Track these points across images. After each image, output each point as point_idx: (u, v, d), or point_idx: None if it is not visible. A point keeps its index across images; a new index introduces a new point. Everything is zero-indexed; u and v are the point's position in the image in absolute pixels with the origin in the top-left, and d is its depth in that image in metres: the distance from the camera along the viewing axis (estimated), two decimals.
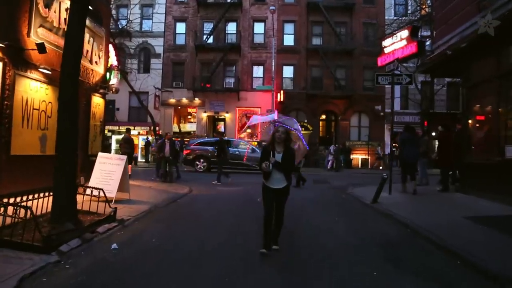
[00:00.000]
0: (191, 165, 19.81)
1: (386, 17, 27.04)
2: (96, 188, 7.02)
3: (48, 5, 8.52)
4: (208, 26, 28.65)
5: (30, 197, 5.73)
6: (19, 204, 5.15)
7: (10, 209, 5.10)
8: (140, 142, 28.69)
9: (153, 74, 28.40)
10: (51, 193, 5.97)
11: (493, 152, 8.79)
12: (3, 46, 7.13)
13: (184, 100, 28.55)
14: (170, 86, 28.61)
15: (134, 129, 28.13)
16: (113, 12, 26.51)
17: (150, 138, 27.76)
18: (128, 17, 27.33)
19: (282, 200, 5.13)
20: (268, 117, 6.88)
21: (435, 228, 6.31)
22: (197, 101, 28.42)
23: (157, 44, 28.86)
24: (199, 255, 5.13)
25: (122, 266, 4.64)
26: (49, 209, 5.96)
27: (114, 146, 26.75)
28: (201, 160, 19.36)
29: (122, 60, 27.32)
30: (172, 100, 28.55)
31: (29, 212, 4.93)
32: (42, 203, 5.97)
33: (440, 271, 4.61)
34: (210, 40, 28.42)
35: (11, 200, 5.26)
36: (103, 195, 7.08)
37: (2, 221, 4.99)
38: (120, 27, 27.46)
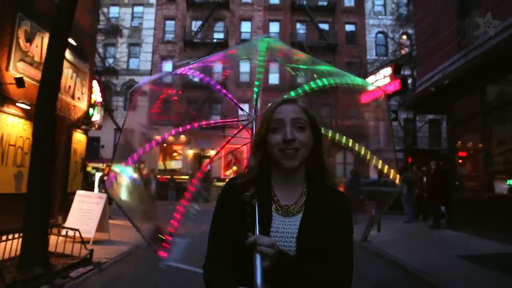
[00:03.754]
0: None
1: (368, 57, 27.83)
2: (71, 229, 6.60)
3: (29, 39, 8.40)
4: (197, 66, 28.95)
5: None
6: None
7: None
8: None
9: (139, 111, 28.18)
10: (21, 235, 5.55)
11: (482, 188, 8.70)
12: None
13: (170, 138, 28.19)
14: (156, 124, 28.40)
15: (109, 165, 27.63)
16: (101, 50, 26.72)
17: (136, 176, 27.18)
18: (115, 55, 27.52)
19: None
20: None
21: (429, 268, 6.06)
22: (183, 138, 28.22)
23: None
24: None
25: None
26: (19, 252, 5.52)
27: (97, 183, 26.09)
28: None
29: (108, 97, 27.23)
30: (157, 137, 28.21)
31: None
32: (11, 246, 5.53)
33: None
34: (197, 79, 28.63)
35: None
36: (79, 235, 6.65)
37: None
38: (107, 65, 27.56)
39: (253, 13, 29.51)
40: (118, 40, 28.58)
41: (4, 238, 5.38)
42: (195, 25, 29.27)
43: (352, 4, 29.57)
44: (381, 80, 12.19)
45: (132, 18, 29.57)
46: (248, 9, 29.58)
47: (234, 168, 27.63)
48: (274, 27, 29.56)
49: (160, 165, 28.84)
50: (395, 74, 11.76)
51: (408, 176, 11.90)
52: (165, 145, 28.95)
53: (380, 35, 29.32)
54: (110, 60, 28.32)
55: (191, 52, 29.04)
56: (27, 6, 8.27)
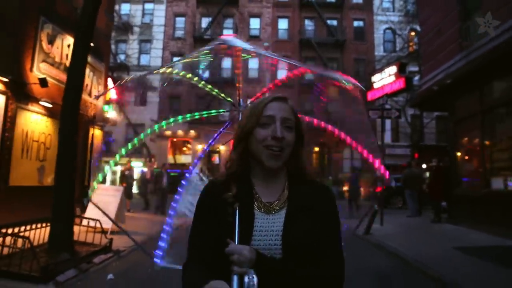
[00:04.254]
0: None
1: (376, 53, 28.02)
2: (92, 219, 7.12)
3: (51, 41, 8.91)
4: (205, 62, 29.42)
5: (28, 227, 5.81)
6: (17, 234, 5.25)
7: (7, 240, 5.19)
8: (135, 174, 28.71)
9: (149, 107, 28.86)
10: (48, 224, 6.07)
11: (480, 184, 9.06)
12: (7, 80, 7.42)
13: (180, 132, 28.89)
14: (166, 119, 28.97)
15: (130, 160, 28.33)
16: (112, 47, 27.29)
17: (145, 170, 27.81)
18: (126, 51, 28.12)
19: None
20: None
21: (426, 258, 6.45)
22: (192, 133, 28.77)
23: (154, 78, 29.45)
24: None
25: None
26: (46, 239, 6.04)
27: (109, 177, 26.71)
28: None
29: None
30: (168, 132, 28.86)
31: (27, 242, 5.03)
32: (40, 234, 6.04)
33: None
34: (206, 74, 29.13)
35: (9, 231, 5.34)
36: (98, 226, 7.17)
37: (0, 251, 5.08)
38: (118, 61, 28.15)
39: (262, 9, 29.82)
40: (129, 37, 29.15)
41: (33, 226, 5.89)
42: (205, 21, 29.69)
43: (360, 0, 29.70)
44: (386, 78, 12.50)
45: (143, 15, 30.10)
46: (257, 5, 29.89)
47: None
48: (283, 24, 29.84)
49: (170, 159, 29.43)
50: (400, 72, 12.05)
51: (412, 171, 12.26)
52: (175, 139, 29.57)
53: (388, 32, 29.46)
54: (122, 56, 28.91)
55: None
56: (49, 10, 8.76)
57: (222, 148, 27.57)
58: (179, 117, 2.92)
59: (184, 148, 30.66)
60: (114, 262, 6.31)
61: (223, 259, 1.13)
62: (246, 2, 29.80)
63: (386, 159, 26.45)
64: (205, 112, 3.01)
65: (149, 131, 2.92)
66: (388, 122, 27.03)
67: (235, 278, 1.09)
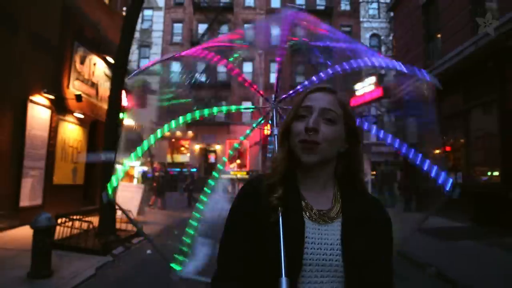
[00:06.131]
0: None
1: None
2: (126, 210, 8.80)
3: (82, 62, 10.54)
4: (202, 66, 30.99)
5: (78, 216, 7.46)
6: (83, 219, 6.94)
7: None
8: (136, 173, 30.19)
9: (149, 109, 30.36)
10: (96, 214, 7.73)
11: None
12: (53, 97, 9.05)
13: (178, 133, 30.42)
14: (165, 120, 30.47)
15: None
16: None
17: (146, 169, 29.31)
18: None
19: None
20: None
21: (396, 240, 8.23)
22: (190, 133, 30.35)
23: (154, 81, 30.97)
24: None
25: (159, 265, 6.43)
26: (93, 225, 7.69)
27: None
28: None
29: None
30: (167, 133, 30.33)
31: (86, 225, 6.73)
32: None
33: None
34: (203, 78, 30.68)
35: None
36: (131, 216, 8.84)
37: (68, 232, 6.77)
38: None
39: (256, 16, 31.42)
40: None
41: (85, 216, 7.57)
42: (201, 28, 31.22)
43: (348, 8, 31.49)
44: (366, 87, 14.32)
45: (142, 21, 31.45)
46: (250, 12, 31.52)
47: (238, 161, 29.79)
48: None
49: (168, 158, 30.96)
50: (378, 82, 13.89)
51: (387, 169, 14.14)
52: (173, 140, 31.07)
53: (374, 38, 31.27)
54: None
55: None
56: (81, 35, 10.38)
57: (218, 148, 28.89)
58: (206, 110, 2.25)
59: (182, 148, 32.21)
60: (146, 243, 7.99)
61: (262, 271, 1.01)
62: (241, 9, 31.43)
63: (372, 157, 28.53)
64: (234, 107, 2.68)
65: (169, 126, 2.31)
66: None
67: None
